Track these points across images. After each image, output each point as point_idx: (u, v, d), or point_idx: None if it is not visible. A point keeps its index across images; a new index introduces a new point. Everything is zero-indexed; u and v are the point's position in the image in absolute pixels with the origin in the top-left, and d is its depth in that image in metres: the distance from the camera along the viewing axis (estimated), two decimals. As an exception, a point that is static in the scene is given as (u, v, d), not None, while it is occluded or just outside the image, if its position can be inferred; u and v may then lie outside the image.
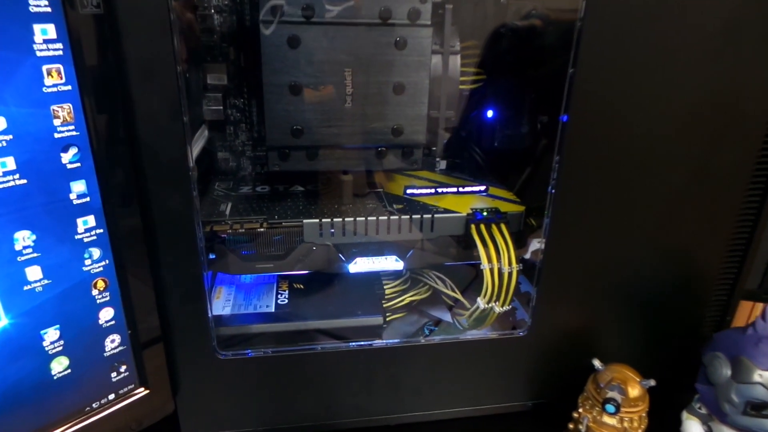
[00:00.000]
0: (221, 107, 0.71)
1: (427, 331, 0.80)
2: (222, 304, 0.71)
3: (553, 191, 0.59)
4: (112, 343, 0.54)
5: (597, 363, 0.65)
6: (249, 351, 0.62)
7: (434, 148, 0.62)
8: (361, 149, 0.59)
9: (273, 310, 0.70)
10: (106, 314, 0.52)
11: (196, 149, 0.66)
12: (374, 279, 0.79)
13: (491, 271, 0.64)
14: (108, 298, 0.52)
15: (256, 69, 0.57)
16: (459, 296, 0.78)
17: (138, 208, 0.51)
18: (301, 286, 0.78)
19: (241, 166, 0.78)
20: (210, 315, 0.58)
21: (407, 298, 0.80)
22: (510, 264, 0.64)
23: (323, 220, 0.64)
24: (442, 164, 0.82)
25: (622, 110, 0.56)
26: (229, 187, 0.74)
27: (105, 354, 0.53)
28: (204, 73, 0.69)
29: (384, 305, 0.77)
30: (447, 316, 0.82)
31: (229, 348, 0.64)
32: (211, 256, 0.66)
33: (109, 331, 0.53)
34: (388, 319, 0.78)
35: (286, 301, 0.72)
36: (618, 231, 0.62)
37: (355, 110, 0.56)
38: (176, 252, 0.54)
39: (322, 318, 0.69)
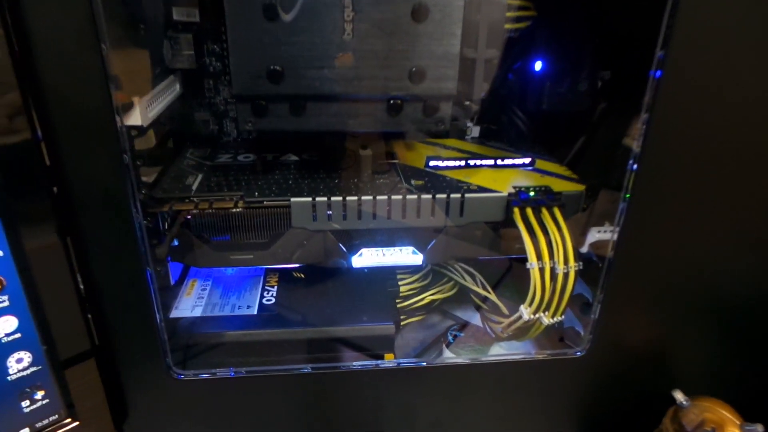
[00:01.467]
0: (192, 52, 0.55)
1: (451, 338, 0.65)
2: (192, 302, 0.56)
3: (636, 167, 0.42)
4: (19, 363, 0.39)
5: (680, 396, 0.48)
6: (216, 370, 0.47)
7: (468, 103, 0.45)
8: (366, 101, 0.42)
9: (255, 312, 0.54)
10: (6, 325, 0.38)
11: (159, 105, 0.51)
12: (386, 273, 0.63)
13: (541, 271, 0.48)
14: (6, 304, 0.37)
15: None
16: (492, 296, 0.62)
17: (46, 179, 0.36)
18: (302, 276, 0.63)
19: (224, 129, 0.63)
20: (159, 323, 0.43)
21: (427, 297, 0.64)
22: (566, 262, 0.48)
23: (317, 198, 0.48)
24: (475, 131, 0.66)
25: (746, 55, 0.38)
26: (204, 155, 0.58)
27: (9, 377, 0.39)
28: (168, 6, 0.53)
29: (398, 305, 0.62)
30: (476, 319, 0.66)
31: (193, 364, 0.49)
32: (175, 243, 0.51)
33: (13, 347, 0.38)
34: (403, 323, 0.62)
35: (273, 300, 0.56)
36: (718, 221, 0.45)
37: (357, 45, 0.40)
38: (104, 240, 0.39)
39: (317, 324, 0.53)
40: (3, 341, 0.38)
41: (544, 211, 0.50)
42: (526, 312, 0.50)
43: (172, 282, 0.56)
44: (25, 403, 0.40)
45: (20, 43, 0.33)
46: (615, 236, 0.46)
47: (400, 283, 0.63)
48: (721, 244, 0.46)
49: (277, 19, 0.38)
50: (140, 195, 0.49)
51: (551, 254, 0.48)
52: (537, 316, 0.50)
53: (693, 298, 0.49)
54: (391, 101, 0.42)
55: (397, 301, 0.62)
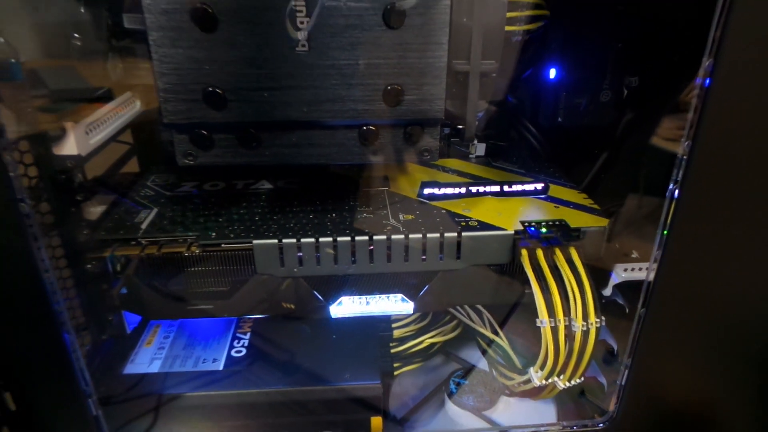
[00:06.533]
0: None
1: (454, 387, 0.56)
2: (151, 354, 0.48)
3: (678, 193, 0.33)
4: None
5: None
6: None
7: (462, 128, 0.36)
8: (331, 129, 0.34)
9: (221, 368, 0.47)
10: None
11: (107, 129, 0.44)
12: (378, 316, 0.55)
13: (554, 330, 0.39)
14: None
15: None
16: (503, 343, 0.53)
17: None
18: (292, 307, 0.56)
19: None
20: (88, 401, 0.36)
21: (426, 340, 0.56)
22: (586, 318, 0.39)
23: (284, 240, 0.40)
24: (480, 148, 0.57)
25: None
26: (166, 183, 0.51)
27: None
28: (115, 12, 0.46)
29: (392, 351, 0.54)
30: (483, 362, 0.58)
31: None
32: (123, 291, 0.44)
33: None
34: (397, 372, 0.54)
35: (243, 351, 0.49)
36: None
37: (315, 59, 0.32)
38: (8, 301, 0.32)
39: (289, 384, 0.45)
40: None
41: (558, 253, 0.41)
42: (536, 377, 0.41)
43: (128, 330, 0.49)
44: None
45: None
46: (650, 275, 0.37)
47: (394, 325, 0.55)
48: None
49: (214, 30, 0.31)
50: (83, 236, 0.42)
51: (566, 309, 0.39)
52: (550, 381, 0.41)
53: (748, 348, 0.39)
54: (363, 128, 0.34)
55: (391, 345, 0.54)
